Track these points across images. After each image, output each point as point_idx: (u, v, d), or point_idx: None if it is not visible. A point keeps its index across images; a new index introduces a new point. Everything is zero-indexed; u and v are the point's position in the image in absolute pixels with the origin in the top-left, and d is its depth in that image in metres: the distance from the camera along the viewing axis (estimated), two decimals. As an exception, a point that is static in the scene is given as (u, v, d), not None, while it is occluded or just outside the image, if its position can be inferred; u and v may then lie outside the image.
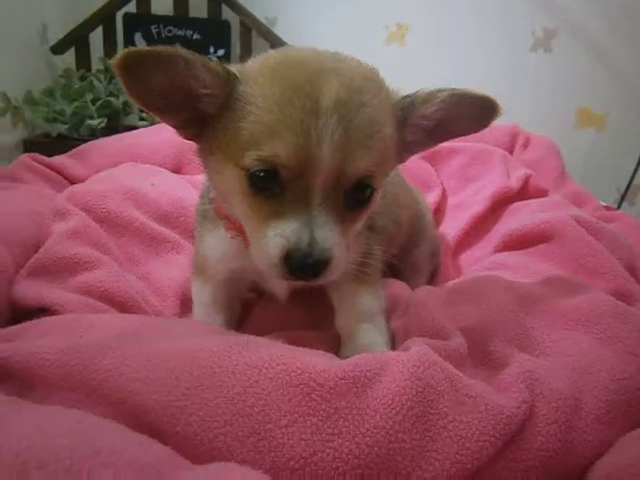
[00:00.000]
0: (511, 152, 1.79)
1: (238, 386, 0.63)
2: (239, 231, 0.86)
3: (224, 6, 2.24)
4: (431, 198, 1.61)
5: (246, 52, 2.34)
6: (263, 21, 2.28)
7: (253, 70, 0.74)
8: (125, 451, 0.48)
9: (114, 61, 0.66)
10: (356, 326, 0.92)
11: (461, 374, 0.70)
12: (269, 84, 0.70)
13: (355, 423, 0.61)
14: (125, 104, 2.09)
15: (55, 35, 2.21)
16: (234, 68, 0.74)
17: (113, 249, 1.13)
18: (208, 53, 2.32)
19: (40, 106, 1.89)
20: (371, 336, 0.92)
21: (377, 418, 0.62)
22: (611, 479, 0.63)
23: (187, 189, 1.38)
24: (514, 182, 1.55)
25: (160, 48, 0.68)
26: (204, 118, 0.75)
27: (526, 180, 1.57)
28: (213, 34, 2.32)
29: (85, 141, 1.58)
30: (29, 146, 1.95)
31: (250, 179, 0.70)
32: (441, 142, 0.88)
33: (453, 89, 0.78)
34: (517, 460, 0.65)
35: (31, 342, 0.71)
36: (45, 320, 0.83)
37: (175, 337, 0.73)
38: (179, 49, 0.69)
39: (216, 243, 0.93)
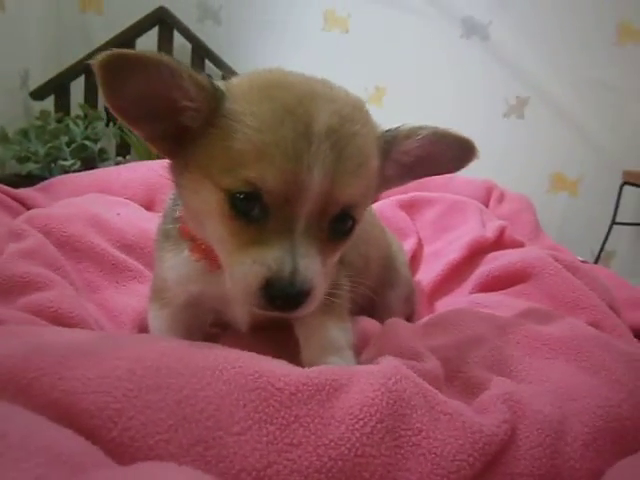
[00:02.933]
0: (486, 205, 1.79)
1: (187, 389, 0.56)
2: (204, 254, 0.81)
3: (207, 61, 2.30)
4: (407, 246, 1.58)
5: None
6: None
7: (241, 87, 0.70)
8: (39, 438, 0.41)
9: (96, 60, 0.63)
10: (322, 360, 0.85)
11: (436, 390, 0.64)
12: (259, 103, 0.66)
13: (317, 433, 0.54)
14: (101, 150, 2.07)
15: (36, 81, 2.22)
16: (220, 84, 0.71)
17: (70, 273, 1.06)
18: (189, 106, 2.32)
19: (13, 144, 1.86)
20: None
21: (342, 429, 0.55)
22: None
23: (155, 222, 1.33)
24: (490, 232, 1.54)
25: (146, 52, 0.65)
26: (182, 133, 0.71)
27: (502, 231, 1.56)
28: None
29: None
30: (-3, 184, 1.89)
31: (231, 201, 0.66)
32: (416, 179, 0.87)
33: (435, 127, 0.78)
34: (499, 486, 0.58)
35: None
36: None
37: (123, 341, 0.66)
38: (166, 56, 0.66)
39: (177, 264, 0.87)
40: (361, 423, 0.56)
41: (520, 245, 1.56)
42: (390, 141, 0.77)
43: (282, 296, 0.64)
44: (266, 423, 0.54)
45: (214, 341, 1.01)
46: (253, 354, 0.63)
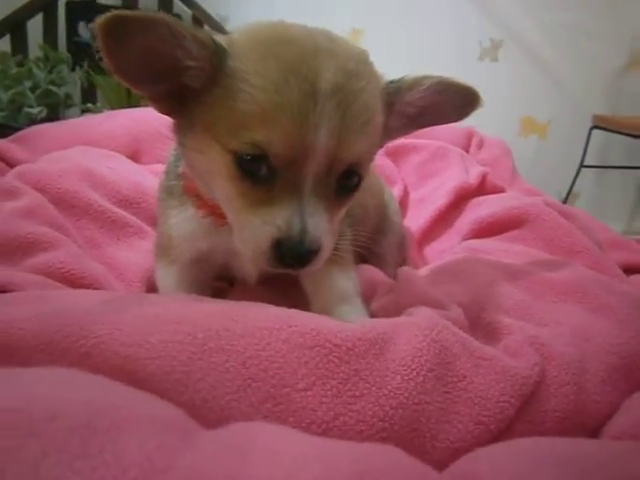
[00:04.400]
0: (467, 151, 1.83)
1: (250, 349, 0.57)
2: (210, 210, 0.81)
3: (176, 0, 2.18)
4: (394, 193, 1.61)
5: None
6: (215, 17, 2.23)
7: (243, 44, 0.68)
8: (146, 407, 0.42)
9: (97, 23, 0.60)
10: (333, 309, 0.87)
11: (472, 338, 0.68)
12: (262, 61, 0.65)
13: (377, 385, 0.58)
14: (67, 96, 1.96)
15: (-12, 20, 2.05)
16: (222, 39, 0.69)
17: (71, 231, 1.04)
18: (157, 47, 2.22)
19: (-27, 91, 1.74)
20: (351, 318, 0.88)
21: (399, 379, 0.59)
22: (625, 435, 0.63)
23: (146, 176, 1.30)
24: (472, 178, 1.58)
25: (147, 13, 0.63)
26: (185, 92, 0.69)
27: (483, 177, 1.60)
28: (163, 27, 2.21)
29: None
30: (-41, 135, 1.77)
31: (238, 162, 0.66)
32: (419, 129, 0.87)
33: (439, 77, 0.77)
34: (535, 422, 0.63)
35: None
36: (5, 295, 0.73)
37: (167, 303, 0.66)
38: (167, 16, 0.64)
39: (182, 221, 0.87)
40: (414, 373, 0.59)
41: (501, 190, 1.60)
42: (394, 93, 0.77)
43: (292, 255, 0.65)
44: (328, 378, 0.57)
45: (222, 294, 1.02)
46: (302, 312, 0.65)
